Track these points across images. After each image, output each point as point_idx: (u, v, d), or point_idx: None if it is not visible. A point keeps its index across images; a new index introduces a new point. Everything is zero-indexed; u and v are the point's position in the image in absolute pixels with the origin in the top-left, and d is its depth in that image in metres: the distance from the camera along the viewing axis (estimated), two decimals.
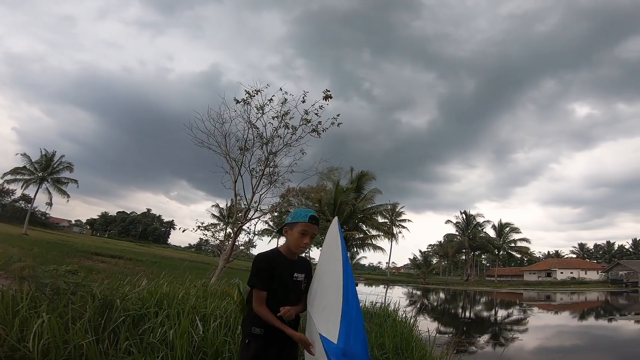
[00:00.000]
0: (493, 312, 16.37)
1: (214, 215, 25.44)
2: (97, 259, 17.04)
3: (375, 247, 33.18)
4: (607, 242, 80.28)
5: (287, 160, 7.44)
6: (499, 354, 6.98)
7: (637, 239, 75.00)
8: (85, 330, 2.76)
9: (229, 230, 9.31)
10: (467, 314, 15.63)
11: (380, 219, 35.40)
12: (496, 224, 54.33)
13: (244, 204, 7.67)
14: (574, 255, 76.84)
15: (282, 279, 1.84)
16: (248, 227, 8.22)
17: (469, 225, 53.55)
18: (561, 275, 52.63)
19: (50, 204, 36.84)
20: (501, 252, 56.06)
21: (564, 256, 76.79)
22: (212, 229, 9.43)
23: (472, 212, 54.37)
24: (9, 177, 34.24)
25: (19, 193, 55.43)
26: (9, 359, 2.29)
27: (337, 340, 1.46)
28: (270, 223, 24.85)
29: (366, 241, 32.41)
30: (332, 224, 1.95)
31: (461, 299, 24.34)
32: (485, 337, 9.19)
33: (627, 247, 76.29)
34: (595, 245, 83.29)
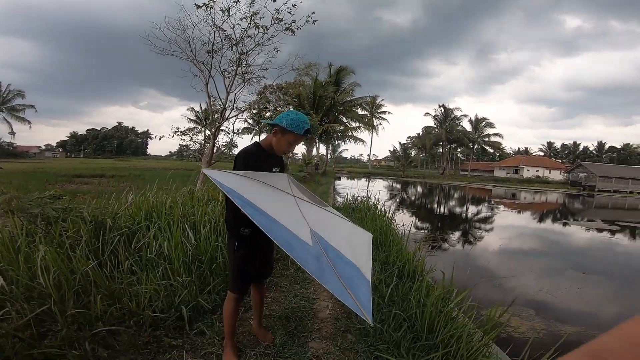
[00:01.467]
0: (464, 208, 17.81)
1: (190, 120, 24.74)
2: (79, 181, 16.60)
3: (356, 139, 34.48)
4: (573, 142, 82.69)
5: (261, 59, 7.38)
6: (466, 252, 7.73)
7: (602, 142, 77.96)
8: (86, 256, 2.78)
9: (207, 132, 9.30)
10: (441, 209, 16.96)
11: (360, 111, 36.63)
12: (473, 119, 56.69)
13: (220, 104, 7.60)
14: (542, 154, 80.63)
15: (264, 171, 1.89)
16: (227, 127, 8.46)
17: (446, 118, 55.66)
18: (527, 172, 56.15)
19: (12, 132, 36.56)
20: (475, 147, 58.85)
21: (532, 153, 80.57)
22: (190, 133, 9.48)
23: (451, 106, 56.98)
24: None
25: None
26: (29, 298, 2.28)
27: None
28: (250, 121, 24.70)
29: (347, 133, 33.58)
30: None
31: (436, 194, 26.16)
32: (456, 235, 10.09)
33: (591, 149, 79.47)
34: (562, 145, 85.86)
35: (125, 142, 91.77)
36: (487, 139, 56.52)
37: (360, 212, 6.98)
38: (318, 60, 25.36)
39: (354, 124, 33.86)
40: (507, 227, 11.50)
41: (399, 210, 14.00)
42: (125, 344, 2.15)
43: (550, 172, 57.09)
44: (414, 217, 12.88)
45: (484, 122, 55.93)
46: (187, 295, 2.67)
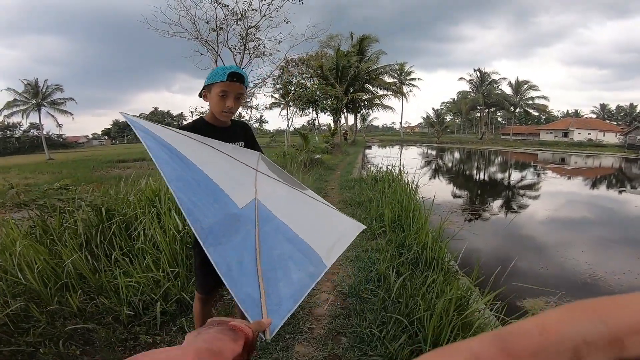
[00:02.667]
0: (506, 174, 16.44)
1: None
2: (122, 165, 17.81)
3: (385, 107, 33.34)
4: (630, 104, 73.65)
5: (275, 33, 7.53)
6: (509, 221, 6.97)
7: None
8: (80, 245, 2.73)
9: None
10: (480, 176, 15.80)
11: (388, 79, 35.02)
12: (513, 82, 52.05)
13: None
14: (594, 116, 72.92)
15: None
16: (256, 104, 8.87)
17: (483, 82, 51.90)
18: (578, 135, 51.27)
19: (59, 125, 38.87)
20: (517, 110, 54.64)
21: (583, 116, 73.32)
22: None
23: (487, 70, 52.19)
24: (5, 112, 34.93)
25: (25, 125, 57.88)
26: (15, 294, 2.25)
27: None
28: (276, 95, 25.03)
29: (374, 101, 32.48)
30: None
31: (474, 160, 24.60)
32: (497, 203, 9.22)
33: None
34: (618, 107, 77.14)
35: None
36: (530, 102, 52.05)
37: (383, 184, 6.42)
38: (341, 32, 25.39)
39: (382, 92, 32.62)
40: (555, 195, 10.34)
41: (432, 178, 13.11)
42: (102, 341, 2.05)
43: (604, 135, 51.66)
44: (449, 185, 12.01)
45: (526, 85, 51.34)
46: (172, 288, 2.44)
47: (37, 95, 35.25)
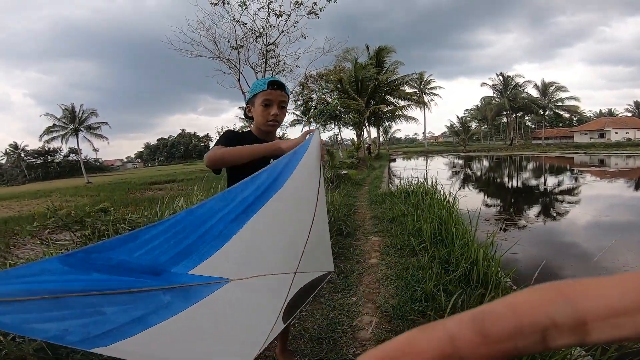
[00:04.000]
0: (542, 180, 15.59)
1: (240, 118, 25.82)
2: (155, 187, 18.71)
3: (408, 118, 32.94)
4: None
5: (293, 48, 7.86)
6: (549, 228, 6.51)
7: None
8: None
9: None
10: (514, 183, 15.08)
11: (409, 89, 34.71)
12: (539, 84, 49.94)
13: None
14: (629, 114, 68.69)
15: (253, 163, 1.35)
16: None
17: (507, 86, 50.45)
18: (616, 135, 48.28)
19: (95, 149, 40.71)
20: (547, 112, 52.29)
21: (618, 115, 69.00)
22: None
23: (510, 74, 50.63)
24: (45, 137, 36.68)
25: (64, 149, 60.85)
26: None
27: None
28: (297, 112, 25.60)
29: (396, 113, 32.09)
30: (313, 136, 1.21)
31: (506, 166, 23.62)
32: (534, 210, 8.68)
33: None
34: None
35: (190, 147, 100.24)
36: (560, 104, 49.84)
37: (415, 197, 6.18)
38: (357, 44, 25.81)
39: (403, 103, 32.44)
40: (596, 199, 9.56)
41: (462, 188, 12.60)
42: None
43: None
44: (482, 194, 11.47)
45: (553, 87, 49.08)
46: None
47: (74, 120, 36.65)
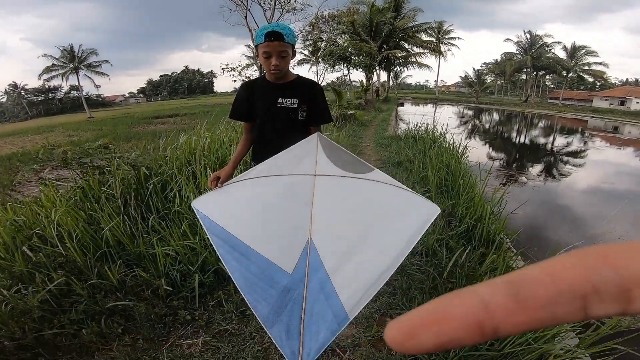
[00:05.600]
0: (550, 139, 15.10)
1: (247, 56, 24.59)
2: (158, 121, 18.35)
3: (421, 65, 31.17)
4: None
5: None
6: (548, 187, 6.34)
7: None
8: (118, 208, 2.59)
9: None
10: (521, 139, 14.62)
11: (425, 37, 32.59)
12: (568, 46, 46.47)
13: None
14: None
15: (262, 106, 1.69)
16: None
17: (533, 45, 47.31)
18: (637, 105, 46.27)
19: (97, 86, 41.72)
20: (570, 74, 49.47)
21: None
22: (239, 69, 10.16)
23: (539, 33, 47.15)
24: (45, 76, 37.44)
25: (65, 87, 61.61)
26: (56, 265, 2.12)
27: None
28: (305, 52, 23.98)
29: (409, 59, 30.54)
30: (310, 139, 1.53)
31: (516, 122, 22.87)
32: (538, 168, 8.45)
33: None
34: None
35: (194, 83, 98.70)
36: (586, 68, 46.86)
37: (423, 143, 5.90)
38: None
39: (418, 50, 30.54)
40: (601, 164, 9.35)
41: (470, 138, 12.20)
42: (142, 317, 1.92)
43: None
44: (489, 148, 11.15)
45: (583, 50, 45.59)
46: (209, 257, 2.27)
47: (73, 60, 37.81)
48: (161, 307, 1.98)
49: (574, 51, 46.74)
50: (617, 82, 70.20)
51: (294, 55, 1.62)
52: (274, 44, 1.51)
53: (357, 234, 1.14)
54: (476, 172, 3.75)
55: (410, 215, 1.20)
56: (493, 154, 10.38)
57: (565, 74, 49.21)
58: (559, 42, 47.25)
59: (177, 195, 2.74)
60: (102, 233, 2.32)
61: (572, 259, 0.18)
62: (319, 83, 1.69)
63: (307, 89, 1.68)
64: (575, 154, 11.11)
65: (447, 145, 5.68)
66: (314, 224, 1.16)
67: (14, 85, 62.69)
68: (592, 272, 0.17)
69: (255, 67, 11.07)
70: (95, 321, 1.85)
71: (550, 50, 47.37)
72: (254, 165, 1.62)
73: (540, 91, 60.76)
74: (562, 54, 47.75)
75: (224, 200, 1.43)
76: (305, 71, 31.65)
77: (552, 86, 65.60)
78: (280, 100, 1.64)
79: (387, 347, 1.72)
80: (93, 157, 3.31)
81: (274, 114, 1.67)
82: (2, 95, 63.90)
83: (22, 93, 62.70)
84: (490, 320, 0.17)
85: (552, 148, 12.40)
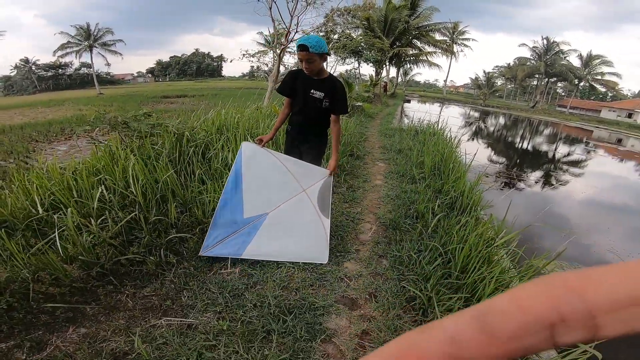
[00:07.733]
0: (553, 146, 15.54)
1: (259, 43, 24.81)
2: (167, 101, 18.69)
3: (431, 64, 31.30)
4: None
5: None
6: (544, 195, 6.82)
7: None
8: (166, 165, 2.99)
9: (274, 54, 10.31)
10: (524, 144, 15.07)
11: (439, 37, 32.85)
12: (584, 54, 46.41)
13: (284, 28, 8.19)
14: None
15: (301, 91, 2.37)
16: (292, 49, 9.38)
17: (548, 51, 47.41)
18: None
19: (108, 64, 43.27)
20: (582, 83, 49.26)
21: None
22: (258, 55, 10.64)
23: (557, 39, 46.64)
24: (59, 52, 38.70)
25: (76, 64, 63.34)
26: (122, 205, 2.49)
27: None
28: None
29: (420, 57, 30.69)
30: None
31: (521, 127, 23.24)
32: (536, 174, 8.92)
33: None
34: None
35: (203, 66, 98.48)
36: (599, 77, 46.60)
37: (424, 136, 6.47)
38: None
39: (429, 49, 30.71)
40: (599, 176, 9.72)
41: (472, 139, 12.72)
42: (191, 250, 2.32)
43: None
44: (488, 148, 11.68)
45: (598, 60, 45.35)
46: None
47: (89, 38, 39.12)
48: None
49: (589, 60, 46.34)
50: (629, 93, 69.65)
51: (324, 60, 2.25)
52: (302, 53, 2.14)
53: (285, 227, 2.34)
54: (467, 161, 4.39)
55: (308, 242, 2.38)
56: (485, 147, 10.90)
57: (577, 82, 49.00)
58: (575, 50, 46.88)
59: (217, 156, 3.31)
60: (160, 181, 2.75)
61: (537, 287, 0.18)
62: (338, 79, 2.37)
63: (330, 86, 2.32)
64: (567, 159, 11.62)
65: (445, 138, 6.26)
66: (277, 209, 2.33)
67: (26, 60, 63.56)
68: (558, 301, 0.17)
69: (271, 54, 11.51)
70: (156, 254, 2.20)
71: (565, 57, 47.22)
72: (290, 129, 2.57)
73: (549, 98, 60.59)
74: (576, 62, 47.50)
75: (257, 153, 2.37)
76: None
77: (562, 94, 65.34)
78: (312, 91, 2.31)
79: (383, 275, 2.31)
80: (141, 123, 3.92)
81: (307, 100, 2.34)
82: (12, 69, 64.80)
83: (33, 68, 63.43)
84: (459, 353, 0.17)
85: (546, 152, 12.92)
